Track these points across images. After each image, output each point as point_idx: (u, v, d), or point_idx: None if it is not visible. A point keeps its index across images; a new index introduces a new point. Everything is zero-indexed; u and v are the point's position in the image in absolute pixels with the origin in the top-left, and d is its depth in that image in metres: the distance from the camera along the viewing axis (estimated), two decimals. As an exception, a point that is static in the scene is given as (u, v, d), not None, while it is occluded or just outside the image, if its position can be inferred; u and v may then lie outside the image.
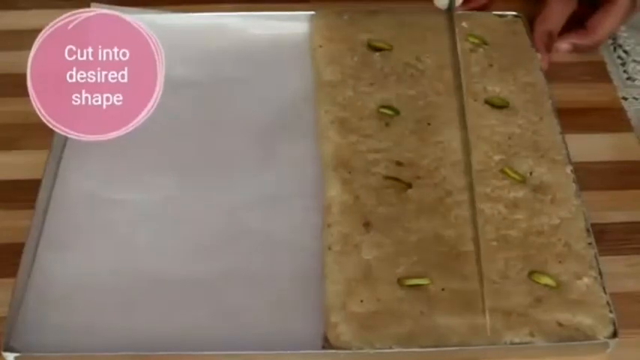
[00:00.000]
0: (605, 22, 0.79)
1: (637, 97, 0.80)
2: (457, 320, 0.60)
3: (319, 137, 0.72)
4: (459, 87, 0.64)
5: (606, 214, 0.68)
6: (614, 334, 0.60)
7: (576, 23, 0.81)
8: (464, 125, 0.64)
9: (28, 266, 0.64)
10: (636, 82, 0.81)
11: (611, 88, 0.79)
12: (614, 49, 0.84)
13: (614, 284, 0.63)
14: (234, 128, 0.74)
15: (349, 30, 0.79)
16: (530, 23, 0.81)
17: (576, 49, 0.81)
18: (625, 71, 0.82)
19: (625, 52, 0.84)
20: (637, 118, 0.77)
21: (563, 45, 0.80)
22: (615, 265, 0.65)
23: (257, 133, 0.73)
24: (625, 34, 0.86)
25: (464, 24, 0.80)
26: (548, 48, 0.79)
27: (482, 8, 0.83)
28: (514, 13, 0.82)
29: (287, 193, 0.69)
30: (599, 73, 0.81)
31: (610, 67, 0.82)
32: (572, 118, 0.74)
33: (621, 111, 0.77)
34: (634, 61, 0.83)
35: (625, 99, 0.79)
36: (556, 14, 0.80)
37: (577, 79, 0.79)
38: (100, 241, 0.66)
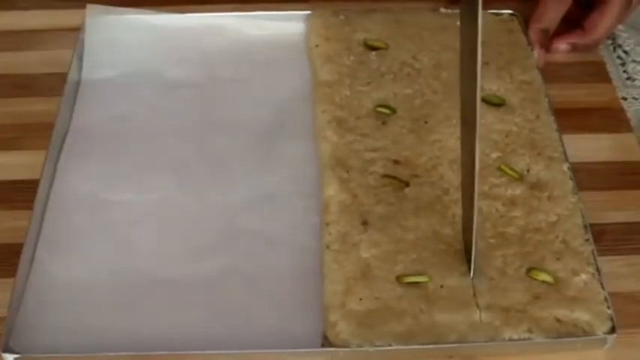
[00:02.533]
0: (602, 22, 0.79)
1: (637, 97, 0.80)
2: (456, 317, 0.60)
3: (316, 137, 0.72)
4: (470, 86, 0.56)
5: (606, 215, 0.68)
6: (612, 330, 0.60)
7: (574, 24, 0.81)
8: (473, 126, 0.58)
9: (27, 267, 0.64)
10: (636, 82, 0.81)
11: (611, 88, 0.79)
12: (614, 49, 0.84)
13: (614, 284, 0.63)
14: (232, 128, 0.74)
15: (345, 29, 0.79)
16: (526, 22, 0.81)
17: (575, 48, 0.81)
18: (625, 71, 0.82)
19: (625, 52, 0.84)
20: (637, 118, 0.77)
21: (562, 45, 0.80)
22: (615, 265, 0.65)
23: (255, 133, 0.73)
24: (625, 35, 0.86)
25: (460, 23, 0.80)
26: (544, 45, 0.79)
27: None
28: (510, 11, 0.82)
29: (285, 192, 0.69)
30: (598, 73, 0.81)
31: (609, 67, 0.82)
32: (572, 119, 0.75)
33: (621, 111, 0.77)
34: (634, 61, 0.83)
35: (625, 99, 0.79)
36: (550, 12, 0.80)
37: (576, 80, 0.80)
38: (98, 242, 0.66)
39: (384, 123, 0.72)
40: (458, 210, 0.65)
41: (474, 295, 0.61)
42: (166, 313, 0.62)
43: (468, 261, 0.62)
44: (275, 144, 0.73)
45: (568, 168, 0.69)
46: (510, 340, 0.59)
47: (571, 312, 0.60)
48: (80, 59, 0.78)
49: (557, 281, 0.62)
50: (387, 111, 0.73)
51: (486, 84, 0.75)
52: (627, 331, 0.60)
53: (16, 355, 0.59)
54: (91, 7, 0.80)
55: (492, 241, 0.64)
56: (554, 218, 0.65)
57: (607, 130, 0.75)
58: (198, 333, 0.61)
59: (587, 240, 0.64)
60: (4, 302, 0.61)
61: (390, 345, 0.59)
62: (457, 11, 0.81)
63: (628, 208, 0.69)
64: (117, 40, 0.80)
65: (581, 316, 0.60)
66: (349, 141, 0.70)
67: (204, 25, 0.81)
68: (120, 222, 0.67)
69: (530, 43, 0.79)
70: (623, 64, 0.83)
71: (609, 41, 0.85)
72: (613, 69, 0.82)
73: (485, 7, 0.82)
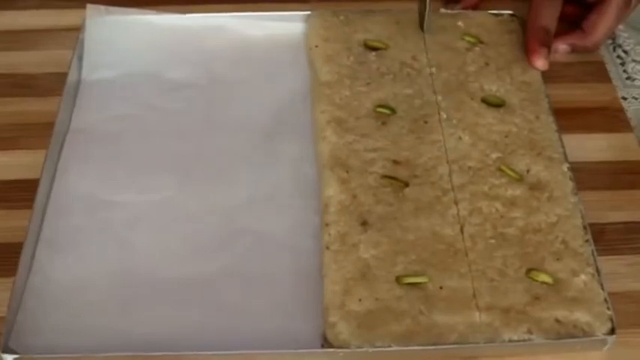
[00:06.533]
0: (601, 23, 0.79)
1: (637, 97, 0.80)
2: (455, 318, 0.60)
3: (316, 137, 0.72)
4: None
5: (606, 214, 0.69)
6: (612, 331, 0.60)
7: (573, 25, 0.81)
8: None
9: (27, 267, 0.64)
10: (636, 82, 0.81)
11: (611, 88, 0.79)
12: (614, 49, 0.84)
13: (614, 284, 0.63)
14: (231, 129, 0.74)
15: (345, 30, 0.79)
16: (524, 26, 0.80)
17: (575, 50, 0.80)
18: (624, 71, 0.82)
19: (624, 52, 0.84)
20: (637, 118, 0.77)
21: (562, 46, 0.80)
22: (614, 265, 0.65)
23: (255, 133, 0.73)
24: (625, 34, 0.85)
25: (460, 23, 0.80)
26: (547, 44, 0.77)
27: (474, 8, 0.83)
28: (510, 12, 0.82)
29: (285, 193, 0.69)
30: (598, 72, 0.80)
31: (609, 67, 0.82)
32: (572, 118, 0.75)
33: (621, 111, 0.77)
34: (633, 60, 0.83)
35: (624, 99, 0.79)
36: (547, 9, 0.79)
37: (576, 79, 0.79)
38: (98, 242, 0.66)
39: (383, 123, 0.72)
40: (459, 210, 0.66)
41: (474, 295, 0.61)
42: (166, 313, 0.62)
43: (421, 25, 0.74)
44: (275, 144, 0.73)
45: (568, 168, 0.69)
46: (510, 341, 0.59)
47: (571, 313, 0.60)
48: (80, 59, 0.78)
49: (557, 282, 0.62)
50: (386, 111, 0.73)
51: (486, 84, 0.75)
52: (627, 330, 0.61)
53: (15, 356, 0.59)
54: (91, 7, 0.80)
55: (492, 241, 0.64)
56: (554, 219, 0.65)
57: (607, 130, 0.75)
58: (197, 333, 0.61)
59: (587, 241, 0.64)
60: (3, 302, 0.61)
61: (389, 346, 0.59)
62: (457, 11, 0.81)
63: (628, 208, 0.69)
64: (117, 40, 0.79)
65: (581, 317, 0.60)
66: (349, 141, 0.70)
67: (205, 25, 0.81)
68: (120, 222, 0.67)
69: (529, 45, 0.77)
70: (623, 64, 0.83)
71: (609, 41, 0.85)
72: (613, 69, 0.82)
73: (485, 8, 0.83)
